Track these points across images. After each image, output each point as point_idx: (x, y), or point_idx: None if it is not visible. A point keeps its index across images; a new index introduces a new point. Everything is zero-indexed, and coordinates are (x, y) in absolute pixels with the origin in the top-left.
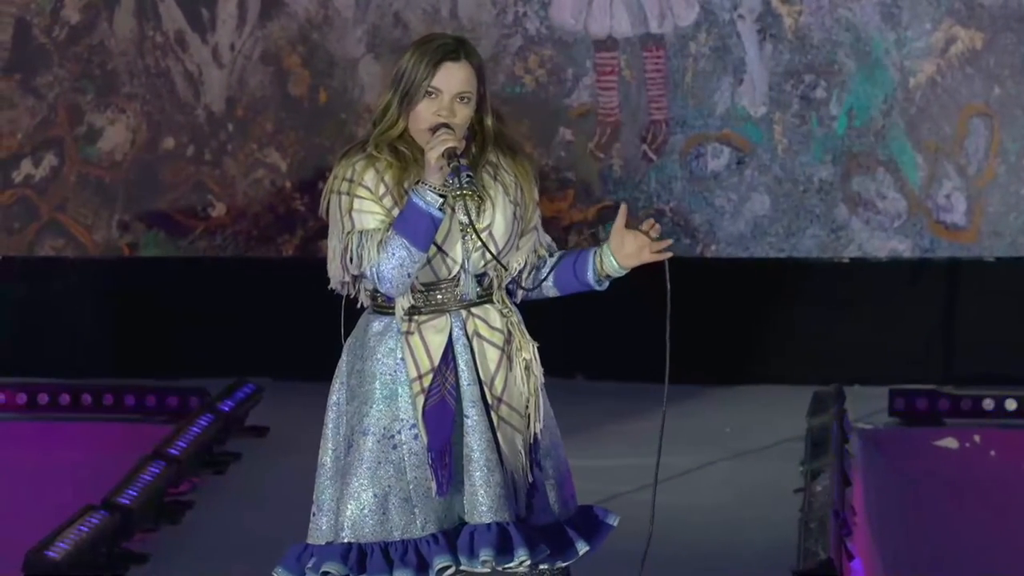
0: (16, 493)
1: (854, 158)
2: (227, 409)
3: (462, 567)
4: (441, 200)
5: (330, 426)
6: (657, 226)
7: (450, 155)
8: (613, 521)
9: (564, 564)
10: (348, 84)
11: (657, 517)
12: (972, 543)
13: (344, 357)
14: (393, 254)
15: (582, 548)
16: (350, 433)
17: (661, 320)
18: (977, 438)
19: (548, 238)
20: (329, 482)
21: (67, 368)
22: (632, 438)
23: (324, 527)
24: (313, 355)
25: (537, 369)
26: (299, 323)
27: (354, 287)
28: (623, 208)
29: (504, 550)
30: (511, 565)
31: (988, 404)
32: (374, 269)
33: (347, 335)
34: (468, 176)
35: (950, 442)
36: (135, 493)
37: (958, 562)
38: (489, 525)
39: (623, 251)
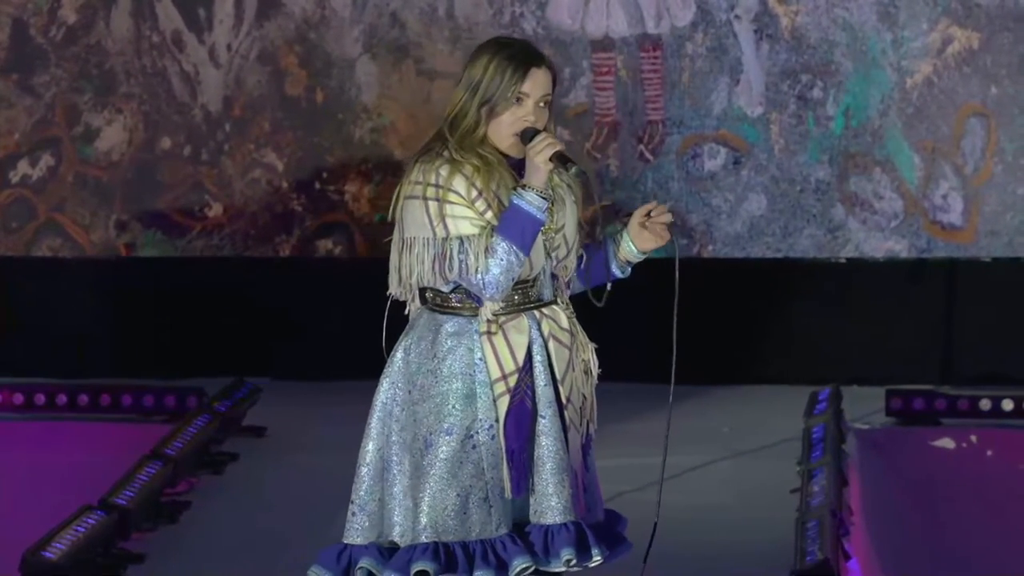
0: (13, 493)
1: (851, 158)
2: (225, 409)
3: (541, 567)
4: (547, 203)
5: (375, 425)
6: (667, 214)
7: (559, 158)
8: (624, 527)
9: (615, 561)
10: (345, 84)
11: (654, 516)
12: (969, 543)
13: (400, 356)
14: (502, 259)
15: (626, 545)
16: (427, 433)
17: (662, 320)
18: (974, 438)
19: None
20: (372, 482)
21: (64, 368)
22: (634, 438)
23: (364, 526)
24: (311, 355)
25: (595, 370)
26: (297, 323)
27: (410, 291)
28: (652, 205)
29: (583, 549)
30: (587, 564)
31: (985, 404)
32: (482, 275)
33: (388, 340)
34: (583, 174)
35: (947, 442)
36: (132, 493)
37: (955, 562)
38: (566, 525)
39: (641, 236)
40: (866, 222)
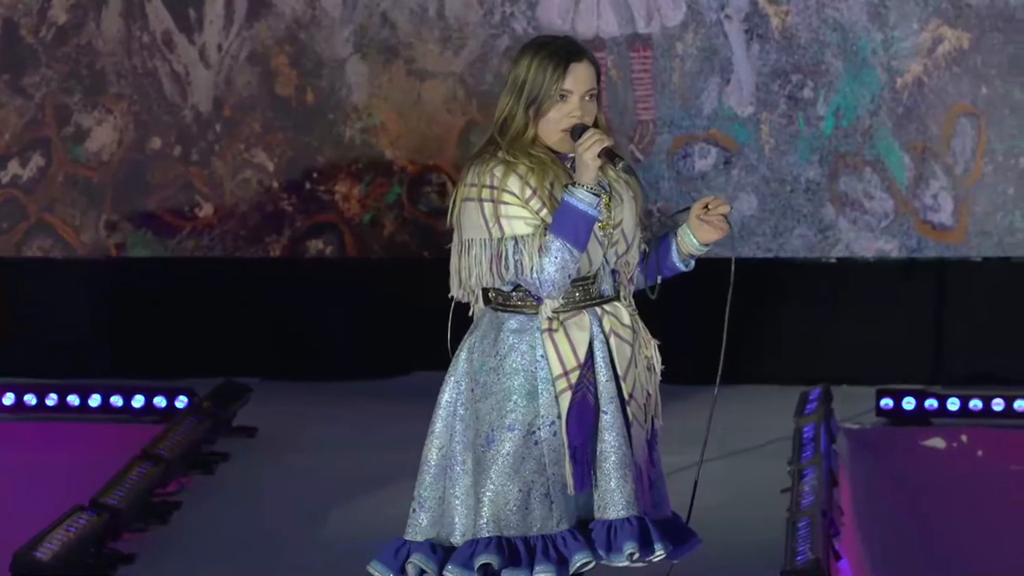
0: (4, 493)
1: (841, 158)
2: (215, 409)
3: (602, 562)
4: (598, 199)
5: (439, 424)
6: (725, 205)
7: (608, 153)
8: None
9: (683, 557)
10: (335, 84)
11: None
12: (959, 543)
13: (464, 355)
14: (556, 257)
15: (695, 540)
16: (489, 430)
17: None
18: (964, 438)
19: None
20: (433, 480)
21: (55, 369)
22: None
23: (424, 524)
24: (301, 355)
25: (658, 366)
26: (287, 323)
27: (473, 293)
28: (709, 198)
29: (646, 543)
30: (650, 558)
31: (975, 404)
32: (536, 274)
33: (454, 341)
34: (630, 169)
35: (937, 442)
36: (123, 493)
37: (945, 562)
38: (629, 519)
39: (701, 229)
40: (856, 222)
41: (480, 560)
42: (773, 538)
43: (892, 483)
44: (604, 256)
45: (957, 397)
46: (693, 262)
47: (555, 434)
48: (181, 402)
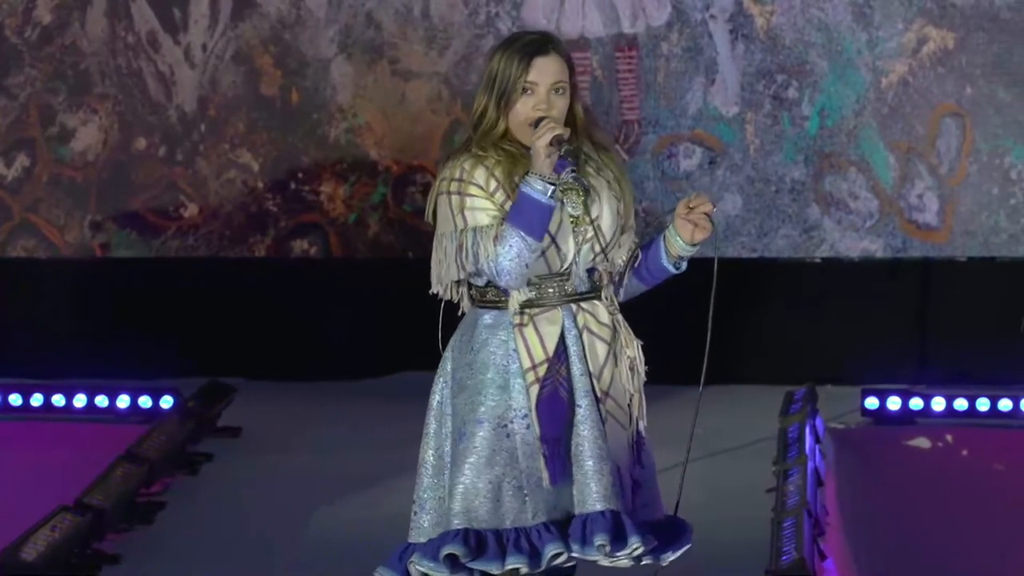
0: None
1: (826, 158)
2: (200, 410)
3: (574, 554)
4: (552, 188)
5: (432, 425)
6: (707, 204)
7: (558, 141)
8: (690, 532)
9: (671, 558)
10: (320, 84)
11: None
12: (944, 543)
13: (449, 355)
14: (511, 246)
15: (684, 543)
16: (461, 424)
17: (632, 322)
18: (949, 438)
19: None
20: (432, 481)
21: (39, 369)
22: None
23: (426, 525)
24: (286, 356)
25: (641, 367)
26: (272, 324)
27: (457, 291)
28: (693, 195)
29: (618, 537)
30: (624, 552)
31: (960, 404)
32: (492, 263)
33: (444, 339)
34: (572, 168)
35: (922, 442)
36: (108, 494)
37: (930, 561)
38: (603, 512)
39: (685, 228)
40: (841, 222)
41: (445, 551)
42: (758, 538)
43: (877, 483)
44: (578, 252)
45: (942, 397)
46: (684, 264)
47: (528, 427)
48: (166, 402)
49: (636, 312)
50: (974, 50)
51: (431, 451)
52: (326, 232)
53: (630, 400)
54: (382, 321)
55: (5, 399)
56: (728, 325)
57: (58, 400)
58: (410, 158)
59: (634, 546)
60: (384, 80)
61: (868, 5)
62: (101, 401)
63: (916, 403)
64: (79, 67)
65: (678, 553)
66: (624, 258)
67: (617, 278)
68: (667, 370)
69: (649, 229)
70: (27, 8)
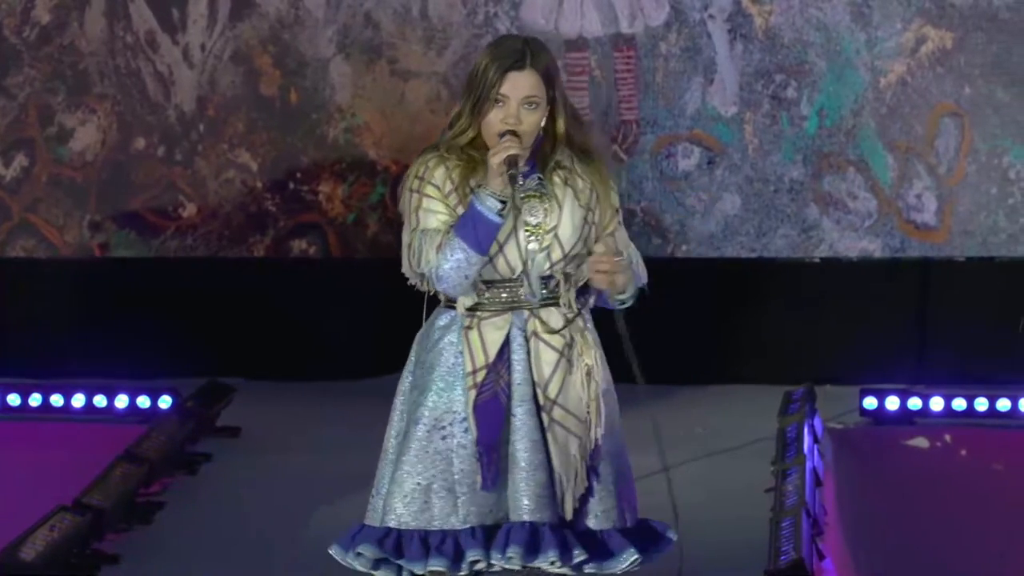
0: None
1: (825, 158)
2: (199, 410)
3: (493, 561)
4: (500, 206)
5: (396, 413)
6: (602, 262)
7: (510, 163)
8: (672, 535)
9: (615, 571)
10: (319, 84)
11: None
12: (943, 543)
13: (413, 348)
14: (452, 256)
15: (630, 556)
16: (406, 422)
17: (631, 322)
18: (948, 438)
19: (634, 250)
20: (389, 466)
21: (38, 369)
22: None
23: (380, 509)
24: (285, 355)
25: (599, 375)
26: (271, 323)
27: (425, 283)
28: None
29: (533, 549)
30: (538, 564)
31: (959, 404)
32: (432, 269)
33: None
34: (520, 185)
35: (921, 442)
36: (107, 494)
37: (929, 562)
38: (524, 523)
39: (601, 281)
40: (840, 222)
41: (357, 549)
42: (757, 538)
43: (876, 483)
44: (531, 260)
45: (941, 397)
46: (629, 302)
47: (466, 431)
48: (165, 402)
49: (635, 312)
50: (973, 50)
51: (392, 439)
52: (325, 232)
53: (587, 408)
54: (381, 321)
55: (4, 399)
56: (726, 325)
57: (56, 400)
58: (409, 158)
59: (550, 560)
60: (383, 80)
61: (867, 5)
62: (99, 401)
63: (915, 403)
64: (78, 67)
65: (628, 565)
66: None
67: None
68: (666, 370)
69: (648, 229)
70: (26, 8)
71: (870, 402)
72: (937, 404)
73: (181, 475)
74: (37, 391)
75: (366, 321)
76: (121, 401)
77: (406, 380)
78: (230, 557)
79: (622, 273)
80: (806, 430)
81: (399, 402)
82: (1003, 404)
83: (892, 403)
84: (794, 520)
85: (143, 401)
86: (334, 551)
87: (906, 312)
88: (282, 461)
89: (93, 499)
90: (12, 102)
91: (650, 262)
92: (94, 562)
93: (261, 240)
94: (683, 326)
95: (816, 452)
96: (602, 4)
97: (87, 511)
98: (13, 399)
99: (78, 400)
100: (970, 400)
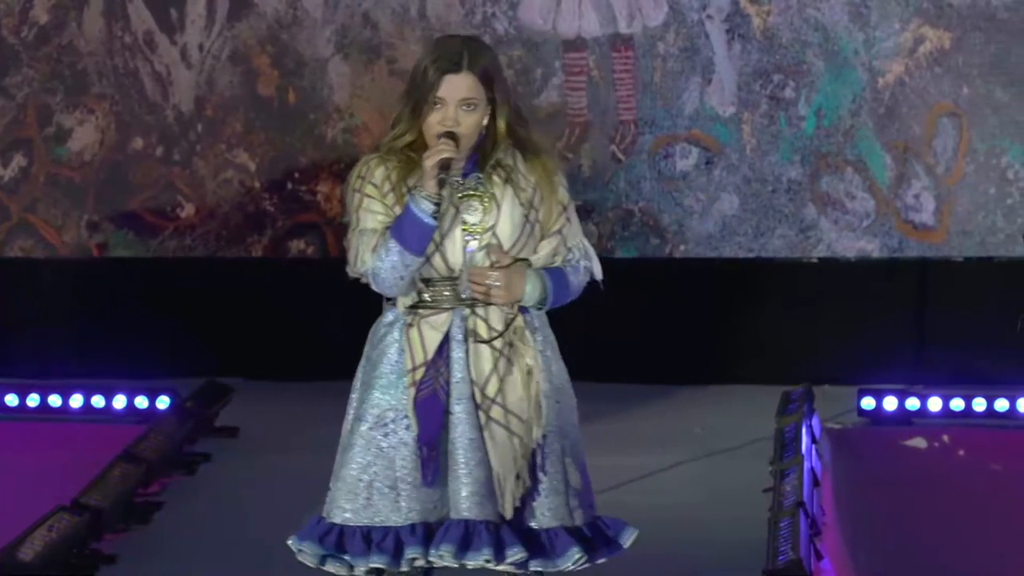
0: None
1: (823, 158)
2: (198, 410)
3: (431, 558)
4: (434, 208)
5: (350, 408)
6: (477, 268)
7: (443, 165)
8: (626, 538)
9: (559, 569)
10: (317, 84)
11: (627, 517)
12: (941, 543)
13: (367, 345)
14: (387, 257)
15: (574, 555)
16: (352, 419)
17: (637, 323)
18: (946, 438)
19: (583, 245)
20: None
21: (36, 369)
22: (601, 439)
23: (328, 503)
24: (283, 356)
25: (540, 375)
26: (270, 323)
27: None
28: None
29: (467, 547)
30: (470, 563)
31: (957, 404)
32: (368, 270)
33: None
34: (460, 184)
35: (919, 442)
36: (105, 494)
37: (927, 562)
38: (459, 521)
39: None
40: (838, 222)
41: (300, 545)
42: (755, 538)
43: (874, 483)
44: (471, 259)
45: (939, 397)
46: (546, 305)
47: (408, 428)
48: (163, 402)
49: (634, 312)
50: (971, 50)
51: (345, 432)
52: (323, 232)
53: (526, 408)
54: None
55: (2, 400)
56: (725, 325)
57: (55, 400)
58: None
59: (485, 558)
60: (381, 80)
61: (865, 5)
62: (98, 401)
63: (913, 403)
64: (76, 67)
65: (603, 559)
66: (542, 263)
67: None
68: (665, 370)
69: (646, 229)
70: (24, 8)
71: (868, 402)
72: (935, 404)
73: (179, 475)
74: (35, 391)
75: (365, 321)
76: (119, 401)
77: (358, 376)
78: (229, 557)
79: (503, 288)
80: (804, 430)
81: (353, 398)
82: (1001, 404)
83: (890, 403)
84: (792, 520)
85: (141, 401)
86: (291, 542)
87: (904, 312)
88: (281, 461)
89: (91, 499)
90: (10, 102)
91: (648, 262)
92: (92, 562)
93: (259, 240)
94: (681, 326)
95: (814, 452)
96: (600, 4)
97: (85, 511)
98: (11, 399)
99: (76, 400)
100: (968, 400)
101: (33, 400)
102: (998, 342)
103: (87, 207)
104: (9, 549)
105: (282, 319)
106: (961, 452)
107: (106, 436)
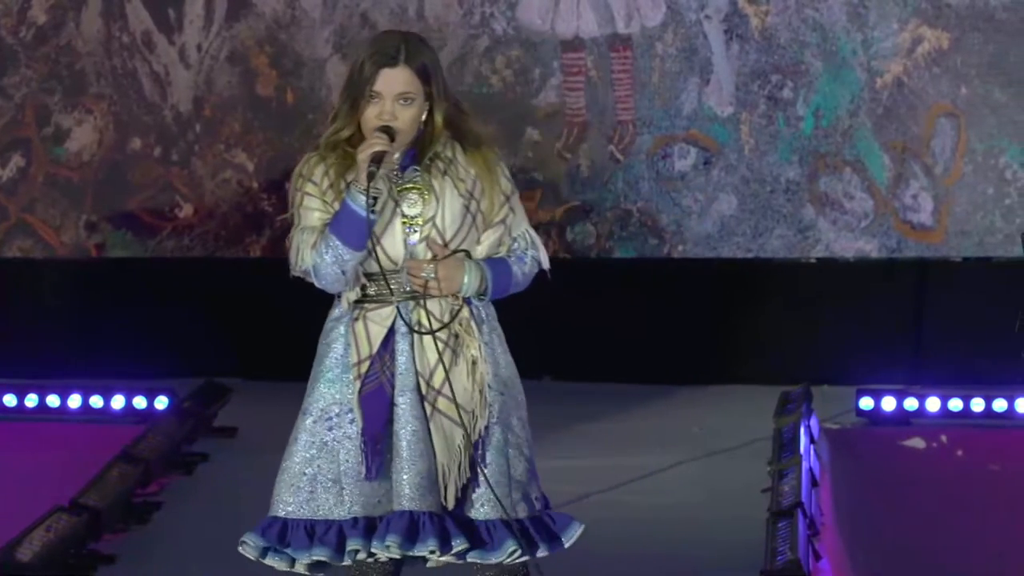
0: None
1: (821, 158)
2: (196, 410)
3: (373, 550)
4: (368, 200)
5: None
6: (413, 262)
7: (375, 159)
8: (570, 536)
9: (494, 561)
10: (315, 84)
11: (627, 516)
12: (939, 543)
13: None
14: (327, 252)
15: (509, 548)
16: (300, 413)
17: (628, 322)
18: (944, 438)
19: (528, 235)
20: None
21: (35, 369)
22: (600, 439)
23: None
24: (281, 355)
25: (485, 366)
26: (268, 323)
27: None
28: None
29: (411, 538)
30: (416, 553)
31: (955, 404)
32: (309, 267)
33: None
34: (415, 168)
35: (917, 442)
36: (104, 494)
37: (925, 562)
38: (403, 513)
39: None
40: (836, 222)
41: (244, 538)
42: (754, 538)
43: (872, 483)
44: (412, 252)
45: (937, 397)
46: (485, 296)
47: (352, 421)
48: (161, 403)
49: (633, 312)
50: (969, 50)
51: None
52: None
53: (471, 399)
54: None
55: (0, 400)
56: (723, 325)
57: (53, 401)
58: None
59: (429, 548)
60: None
61: (863, 5)
62: (96, 402)
63: (911, 403)
64: (74, 67)
65: (542, 554)
66: (482, 254)
67: None
68: (663, 370)
69: (644, 229)
70: (22, 8)
71: (866, 402)
72: (933, 404)
73: (178, 475)
74: (34, 392)
75: None
76: (118, 401)
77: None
78: (227, 557)
79: (440, 279)
80: (803, 430)
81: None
82: (999, 404)
83: (888, 403)
84: (791, 520)
85: (140, 401)
86: (245, 535)
87: (903, 312)
88: (279, 462)
89: (90, 499)
90: (9, 102)
91: (647, 263)
92: (91, 562)
93: (257, 240)
94: (680, 326)
95: (812, 452)
96: (598, 4)
97: (84, 511)
98: (9, 400)
99: (75, 401)
100: (966, 400)
101: (31, 400)
102: (996, 342)
103: (85, 207)
104: (7, 549)
105: (280, 319)
106: (959, 452)
107: (104, 436)
